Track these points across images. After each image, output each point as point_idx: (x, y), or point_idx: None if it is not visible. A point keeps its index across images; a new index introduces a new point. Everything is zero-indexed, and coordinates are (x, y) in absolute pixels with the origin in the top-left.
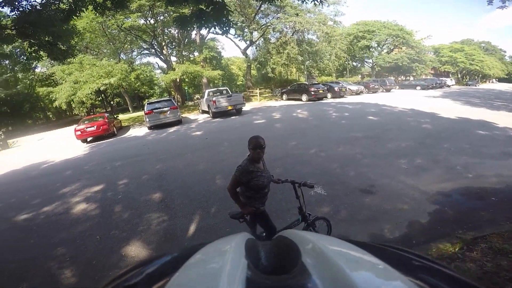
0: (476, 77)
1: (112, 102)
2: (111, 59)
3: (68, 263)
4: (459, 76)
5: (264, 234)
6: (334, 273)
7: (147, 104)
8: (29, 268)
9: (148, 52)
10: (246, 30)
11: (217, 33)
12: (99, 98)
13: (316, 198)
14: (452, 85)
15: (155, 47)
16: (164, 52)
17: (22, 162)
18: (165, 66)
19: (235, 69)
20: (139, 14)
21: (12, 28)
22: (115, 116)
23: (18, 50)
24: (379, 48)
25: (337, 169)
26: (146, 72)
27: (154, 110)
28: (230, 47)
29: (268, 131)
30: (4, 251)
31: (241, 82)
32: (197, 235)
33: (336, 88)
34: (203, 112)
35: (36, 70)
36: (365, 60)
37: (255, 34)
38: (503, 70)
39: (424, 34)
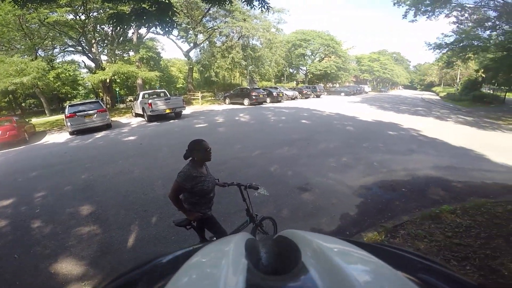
0: (387, 84)
1: (23, 104)
2: (25, 56)
3: None
4: (375, 83)
5: (215, 238)
6: (334, 273)
7: (69, 106)
8: None
9: (73, 49)
10: (191, 32)
11: (157, 33)
12: (6, 99)
13: (261, 199)
14: (369, 91)
15: (83, 44)
16: (93, 50)
17: None
18: (93, 65)
19: (175, 71)
20: (69, 9)
21: None
22: (26, 120)
23: None
24: (312, 57)
25: (277, 169)
26: (69, 71)
27: (77, 113)
28: (172, 48)
29: (212, 135)
30: None
31: (181, 85)
32: (139, 246)
33: (274, 93)
34: (137, 115)
35: None
36: (300, 67)
37: (200, 37)
38: (407, 78)
39: (349, 44)
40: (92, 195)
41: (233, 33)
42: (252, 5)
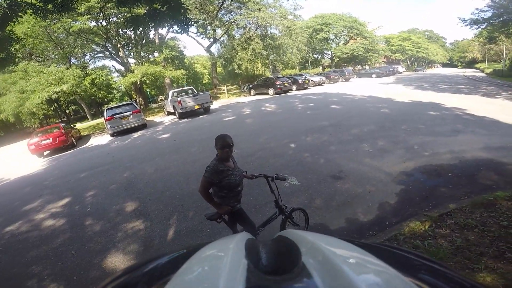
0: (423, 63)
1: (67, 111)
2: (61, 65)
3: (48, 281)
4: (409, 63)
5: (244, 231)
6: (334, 273)
7: (107, 110)
8: None
9: (102, 55)
10: (208, 27)
11: (177, 32)
12: (52, 108)
13: (291, 189)
14: (403, 71)
15: (110, 49)
16: (120, 54)
17: None
18: (122, 68)
19: (199, 68)
20: (89, 16)
21: None
22: (72, 125)
23: None
24: (336, 40)
25: (308, 158)
26: (102, 76)
27: (115, 116)
28: (193, 45)
29: (239, 127)
30: None
31: (207, 81)
32: (177, 240)
33: (300, 81)
34: (169, 113)
35: None
36: (325, 52)
37: (219, 31)
38: (445, 56)
39: (375, 25)
40: (134, 192)
41: (250, 24)
42: None
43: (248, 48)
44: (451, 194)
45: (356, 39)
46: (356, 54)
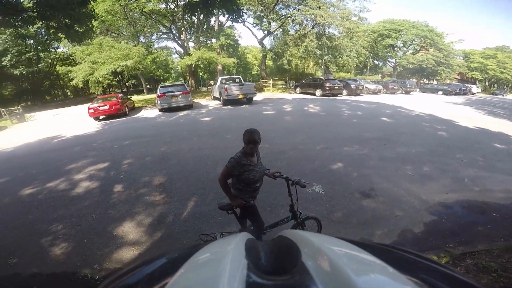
0: (505, 87)
1: (127, 83)
2: (130, 42)
3: (60, 240)
4: (487, 84)
5: (252, 228)
6: (334, 273)
7: (160, 87)
8: (23, 244)
9: (166, 36)
10: (264, 19)
11: (236, 22)
12: (116, 79)
13: (313, 196)
14: (477, 92)
15: (174, 32)
16: (182, 37)
17: (36, 136)
18: (182, 51)
19: (251, 58)
20: None
21: (34, 10)
22: (128, 97)
23: (43, 30)
24: (404, 48)
25: (340, 168)
26: (162, 56)
27: (166, 94)
28: (248, 36)
29: (277, 123)
30: (3, 226)
31: (256, 72)
32: (189, 221)
33: (352, 86)
34: (215, 98)
35: (58, 50)
36: (388, 59)
37: (274, 25)
38: None
39: (456, 37)
40: (165, 167)
41: (306, 21)
42: None
43: (301, 45)
44: (486, 234)
45: (428, 50)
46: (425, 66)
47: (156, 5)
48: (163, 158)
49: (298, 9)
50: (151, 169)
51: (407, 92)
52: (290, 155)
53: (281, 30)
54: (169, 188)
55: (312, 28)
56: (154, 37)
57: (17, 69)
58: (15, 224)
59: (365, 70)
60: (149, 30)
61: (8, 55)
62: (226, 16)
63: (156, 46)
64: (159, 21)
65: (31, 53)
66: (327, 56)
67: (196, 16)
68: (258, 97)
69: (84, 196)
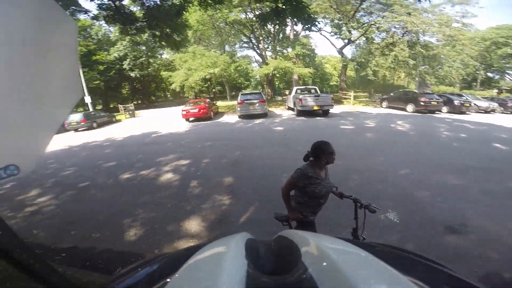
0: None
1: (214, 90)
2: (218, 51)
3: (138, 223)
4: None
5: None
6: (334, 273)
7: (241, 94)
8: (109, 222)
9: (247, 45)
10: (343, 28)
11: (309, 30)
12: (205, 85)
13: (385, 224)
14: None
15: (253, 41)
16: (261, 46)
17: (140, 130)
18: (260, 60)
19: (329, 68)
20: (240, 8)
21: (143, 20)
22: (214, 102)
23: (151, 38)
24: None
25: (425, 197)
26: (243, 64)
27: (245, 101)
28: (326, 45)
29: (354, 139)
30: (100, 203)
31: (335, 83)
32: (246, 225)
33: (456, 102)
34: (289, 108)
35: (163, 56)
36: (506, 71)
37: (355, 33)
38: None
39: None
40: (237, 170)
41: (395, 28)
42: None
43: (389, 55)
44: None
45: None
46: None
47: (237, 15)
48: (236, 162)
49: (383, 16)
50: (224, 171)
51: None
52: (364, 176)
53: (364, 38)
54: (236, 191)
55: (403, 35)
56: (237, 46)
57: (133, 72)
58: (110, 203)
59: (474, 84)
60: (233, 39)
61: (127, 59)
62: (300, 25)
63: (238, 55)
64: (241, 30)
65: (143, 59)
66: (423, 67)
67: (271, 26)
68: (336, 109)
69: (166, 186)
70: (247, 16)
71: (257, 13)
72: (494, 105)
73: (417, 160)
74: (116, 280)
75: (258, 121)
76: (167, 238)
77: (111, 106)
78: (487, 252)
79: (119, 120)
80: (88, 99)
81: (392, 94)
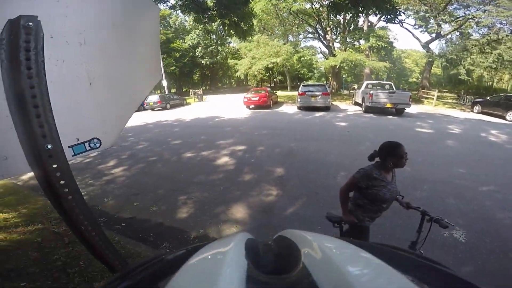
0: None
1: (275, 79)
2: (281, 40)
3: (191, 201)
4: None
5: None
6: (334, 273)
7: (302, 86)
8: (166, 197)
9: (312, 36)
10: (431, 21)
11: (390, 22)
12: (267, 74)
13: (448, 242)
14: None
15: (319, 31)
16: (328, 37)
17: (205, 113)
18: (326, 51)
19: (410, 64)
20: None
21: (214, 9)
22: (274, 91)
23: (221, 27)
24: None
25: (507, 220)
26: (307, 55)
27: (306, 92)
28: (408, 38)
29: (431, 145)
30: (163, 178)
31: (415, 80)
32: (289, 219)
33: None
34: (356, 104)
35: (230, 45)
36: None
37: (446, 27)
38: None
39: None
40: (289, 161)
41: (502, 24)
42: None
43: (491, 53)
44: None
45: None
46: None
47: (302, 5)
48: (289, 153)
49: (485, 10)
50: (277, 161)
51: None
52: (436, 188)
53: (457, 33)
54: (285, 183)
55: (511, 32)
56: (301, 36)
57: (204, 59)
58: (171, 179)
59: None
60: (296, 29)
61: (199, 47)
62: (378, 16)
63: (302, 45)
64: (305, 20)
65: (213, 47)
66: None
67: (342, 16)
68: (413, 109)
69: (221, 169)
70: (313, 5)
71: (325, 2)
72: None
73: (508, 178)
74: (117, 280)
75: (318, 114)
76: (213, 219)
77: (183, 90)
78: None
79: (189, 103)
80: (165, 83)
81: (488, 98)
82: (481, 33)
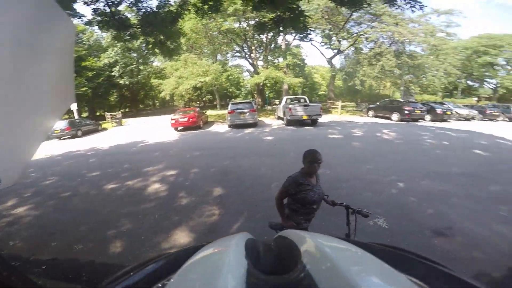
0: None
1: (204, 99)
2: (210, 59)
3: (123, 234)
4: None
5: None
6: (334, 273)
7: (231, 104)
8: (92, 232)
9: (239, 55)
10: (333, 38)
11: (303, 40)
12: (195, 94)
13: (374, 230)
14: None
15: (245, 50)
16: (253, 55)
17: (126, 139)
18: (252, 69)
19: (318, 78)
20: (234, 17)
21: (137, 26)
22: (203, 111)
23: (144, 45)
24: (508, 67)
25: (412, 203)
26: (235, 73)
27: (235, 110)
28: (316, 55)
29: (342, 148)
30: (83, 214)
31: (323, 92)
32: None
33: (438, 110)
34: (279, 118)
35: (154, 64)
36: (486, 79)
37: (344, 43)
38: None
39: None
40: (225, 180)
41: (382, 38)
42: (395, 6)
43: (376, 64)
44: None
45: None
46: None
47: (231, 24)
48: (225, 172)
49: (372, 27)
50: (213, 181)
51: (511, 119)
52: (352, 184)
53: (353, 48)
54: (225, 201)
55: (390, 45)
56: (229, 55)
57: (122, 79)
58: (94, 214)
59: (455, 92)
60: (225, 48)
61: (117, 66)
62: (293, 35)
63: (230, 64)
64: (233, 39)
65: (134, 66)
66: (408, 76)
67: (265, 35)
68: (324, 119)
69: (153, 197)
70: (240, 25)
71: (251, 22)
72: (474, 112)
73: (403, 167)
74: (116, 280)
75: (248, 130)
76: (154, 249)
77: (98, 113)
78: (473, 253)
79: (105, 129)
80: (74, 106)
81: (378, 103)
82: (369, 47)
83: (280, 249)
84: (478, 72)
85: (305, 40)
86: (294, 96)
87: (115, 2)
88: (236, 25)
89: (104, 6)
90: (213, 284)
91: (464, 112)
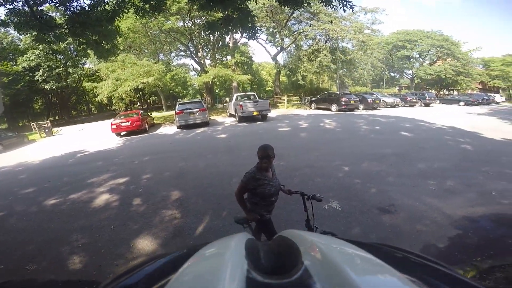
0: None
1: (148, 100)
2: (151, 59)
3: (79, 249)
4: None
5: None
6: (334, 273)
7: (179, 104)
8: (42, 251)
9: (184, 54)
10: (277, 36)
11: (252, 39)
12: (137, 96)
13: (330, 212)
14: (502, 101)
15: (191, 49)
16: (199, 54)
17: (61, 150)
18: (199, 68)
19: (265, 75)
20: (178, 17)
21: (65, 27)
22: (148, 113)
23: (72, 46)
24: (420, 59)
25: (357, 185)
26: (181, 73)
27: (184, 111)
28: (262, 52)
29: (292, 139)
30: (26, 233)
31: (270, 88)
32: (203, 235)
33: (369, 100)
34: (230, 115)
35: (85, 66)
36: (404, 71)
37: (287, 41)
38: None
39: (473, 46)
40: (182, 182)
41: (319, 36)
42: (331, 5)
43: (315, 60)
44: None
45: (445, 60)
46: (444, 77)
47: (175, 23)
48: (180, 174)
49: (310, 24)
50: (169, 184)
51: (427, 104)
52: (304, 172)
53: (294, 45)
54: (186, 203)
55: (325, 42)
56: (173, 54)
57: (48, 84)
58: (38, 232)
59: (381, 83)
60: (168, 47)
61: (40, 70)
62: (240, 33)
63: (175, 63)
64: (178, 38)
65: (61, 69)
66: (342, 70)
67: (209, 34)
68: (273, 113)
69: (104, 208)
70: (185, 24)
71: (197, 21)
72: (397, 100)
73: (345, 152)
74: (116, 280)
75: (199, 130)
76: (118, 260)
77: (20, 124)
78: (416, 227)
79: (34, 140)
80: None
81: (319, 96)
82: (308, 44)
83: (280, 249)
84: (398, 65)
85: (253, 38)
86: (244, 93)
87: (38, 2)
88: (180, 24)
89: (23, 5)
90: (213, 284)
91: (390, 100)
